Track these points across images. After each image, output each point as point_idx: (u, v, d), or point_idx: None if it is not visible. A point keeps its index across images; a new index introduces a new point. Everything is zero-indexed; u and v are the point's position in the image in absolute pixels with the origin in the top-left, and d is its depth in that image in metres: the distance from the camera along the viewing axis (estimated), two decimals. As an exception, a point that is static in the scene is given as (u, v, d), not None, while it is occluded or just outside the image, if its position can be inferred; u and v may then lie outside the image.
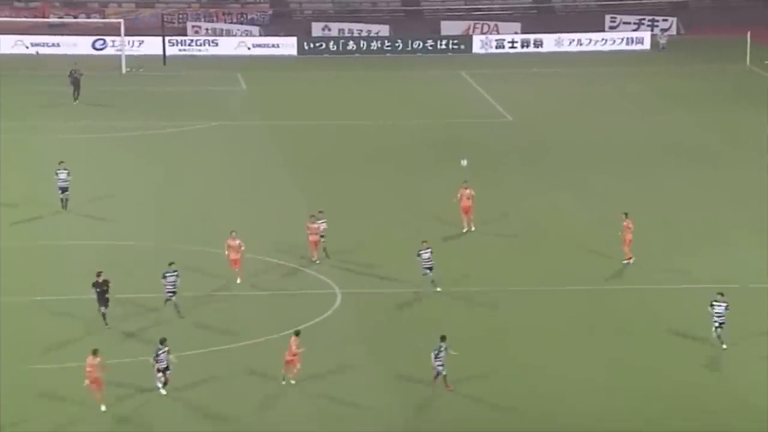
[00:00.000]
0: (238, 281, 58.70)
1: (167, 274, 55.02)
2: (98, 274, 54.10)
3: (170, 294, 55.01)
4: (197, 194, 72.71)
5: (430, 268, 58.56)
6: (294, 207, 69.28)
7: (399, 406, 48.30)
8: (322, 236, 61.54)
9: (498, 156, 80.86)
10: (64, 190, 66.71)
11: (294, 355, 49.14)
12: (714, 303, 52.45)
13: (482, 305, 57.25)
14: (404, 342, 53.75)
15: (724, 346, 52.02)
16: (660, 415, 47.26)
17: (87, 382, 46.79)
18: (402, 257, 61.03)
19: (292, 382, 48.80)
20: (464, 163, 68.84)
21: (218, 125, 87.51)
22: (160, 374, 47.88)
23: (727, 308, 52.29)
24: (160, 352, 47.72)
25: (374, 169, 77.77)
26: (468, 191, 67.06)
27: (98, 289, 53.79)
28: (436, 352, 49.18)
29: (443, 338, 49.14)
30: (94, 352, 47.17)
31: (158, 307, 55.02)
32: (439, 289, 58.19)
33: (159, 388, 47.89)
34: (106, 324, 53.64)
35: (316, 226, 61.13)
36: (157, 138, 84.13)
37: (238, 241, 58.72)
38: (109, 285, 53.87)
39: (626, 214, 61.99)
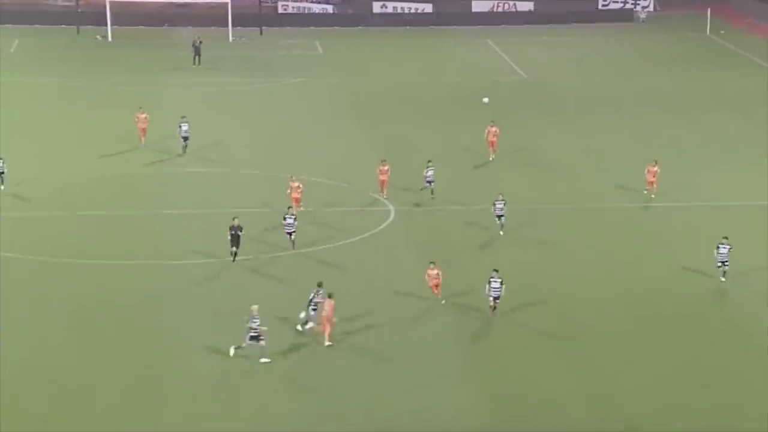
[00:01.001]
0: (302, 208, 56.13)
1: (286, 216, 52.43)
2: (233, 219, 51.35)
3: (289, 234, 52.22)
4: (287, 135, 72.30)
5: (500, 216, 54.51)
6: (357, 146, 69.51)
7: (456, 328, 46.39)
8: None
9: (515, 104, 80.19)
10: (185, 139, 66.15)
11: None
12: (719, 245, 48.97)
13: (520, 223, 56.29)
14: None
15: (723, 279, 48.94)
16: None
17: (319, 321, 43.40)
18: (443, 182, 60.58)
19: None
20: (485, 100, 67.35)
21: (301, 81, 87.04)
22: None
23: (730, 250, 48.85)
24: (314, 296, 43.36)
25: (422, 116, 77.03)
26: (494, 129, 66.74)
27: (232, 232, 50.81)
28: (491, 283, 45.35)
29: (496, 270, 45.58)
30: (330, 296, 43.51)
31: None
32: (501, 233, 54.36)
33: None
34: (233, 261, 50.78)
35: (386, 168, 59.76)
36: (255, 91, 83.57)
37: (297, 183, 56.89)
38: (242, 229, 51.03)
39: (656, 162, 59.97)
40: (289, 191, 56.81)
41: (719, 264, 49.11)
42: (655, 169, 59.88)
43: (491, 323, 45.78)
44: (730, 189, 62.09)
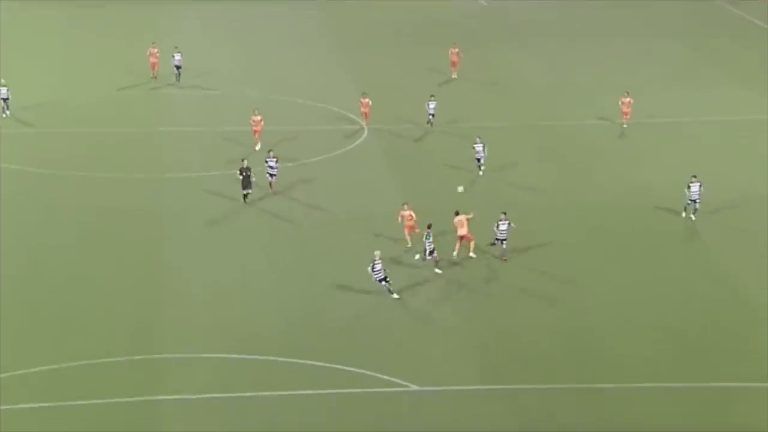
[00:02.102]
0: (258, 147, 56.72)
1: (268, 159, 51.59)
2: (242, 160, 50.97)
3: (270, 176, 51.45)
4: (272, 59, 74.64)
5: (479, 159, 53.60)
6: (338, 73, 71.95)
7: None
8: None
9: (480, 31, 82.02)
10: (178, 68, 67.79)
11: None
12: (690, 183, 48.29)
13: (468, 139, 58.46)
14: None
15: (693, 218, 48.72)
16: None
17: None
18: (413, 101, 63.45)
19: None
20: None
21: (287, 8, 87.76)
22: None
23: (701, 187, 48.24)
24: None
25: (394, 42, 79.23)
26: (456, 50, 69.69)
27: (242, 174, 50.13)
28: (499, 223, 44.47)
29: (504, 213, 44.97)
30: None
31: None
32: (480, 173, 53.97)
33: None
34: (245, 202, 50.27)
35: (367, 100, 60.38)
36: (241, 18, 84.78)
37: (259, 117, 56.72)
38: (251, 171, 50.21)
39: (627, 93, 60.54)
40: (252, 124, 57.77)
41: (689, 202, 48.43)
42: (628, 99, 60.86)
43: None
44: (676, 107, 64.83)
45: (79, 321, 40.97)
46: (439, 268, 44.06)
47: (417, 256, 44.48)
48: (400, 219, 45.95)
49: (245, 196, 50.45)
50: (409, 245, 45.84)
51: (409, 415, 35.40)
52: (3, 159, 56.07)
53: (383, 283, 41.80)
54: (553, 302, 42.32)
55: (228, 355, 38.57)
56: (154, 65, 68.65)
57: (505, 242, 44.75)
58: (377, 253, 42.03)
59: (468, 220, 44.81)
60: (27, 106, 63.17)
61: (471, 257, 45.12)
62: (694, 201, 48.56)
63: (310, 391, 36.36)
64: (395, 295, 41.93)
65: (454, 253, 44.91)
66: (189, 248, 47.15)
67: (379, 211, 49.96)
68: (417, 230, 45.31)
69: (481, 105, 65.54)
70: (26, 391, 36.23)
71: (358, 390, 36.52)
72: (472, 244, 45.12)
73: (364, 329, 40.43)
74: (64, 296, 42.82)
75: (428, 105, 60.93)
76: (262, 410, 35.45)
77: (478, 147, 54.08)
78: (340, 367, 37.74)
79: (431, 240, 43.90)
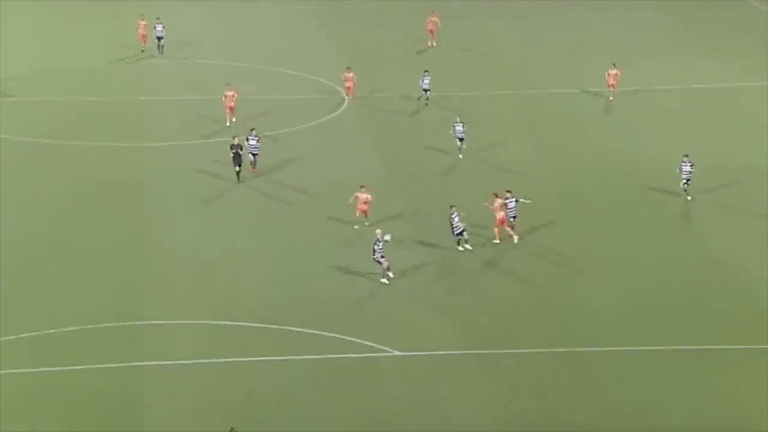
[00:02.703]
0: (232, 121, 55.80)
1: (249, 138, 49.94)
2: (233, 138, 49.86)
3: (252, 155, 49.67)
4: (254, 32, 74.17)
5: (461, 139, 51.69)
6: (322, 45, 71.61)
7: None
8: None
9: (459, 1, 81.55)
10: (159, 38, 67.21)
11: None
12: (681, 163, 47.43)
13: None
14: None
15: (689, 198, 47.80)
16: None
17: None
18: (393, 67, 64.04)
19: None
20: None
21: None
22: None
23: (692, 166, 47.30)
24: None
25: (377, 15, 78.50)
26: (434, 19, 69.10)
27: (233, 151, 48.98)
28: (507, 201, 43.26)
29: (509, 191, 43.78)
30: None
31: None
32: (460, 156, 51.98)
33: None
34: (239, 181, 49.22)
35: (351, 75, 59.82)
36: None
37: (232, 92, 55.31)
38: (242, 148, 49.11)
39: (614, 65, 59.91)
40: (223, 99, 56.46)
41: (684, 181, 47.50)
42: (615, 72, 60.29)
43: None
44: (657, 77, 64.47)
45: (67, 288, 40.89)
46: (466, 245, 42.83)
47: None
48: (352, 200, 44.66)
49: (238, 173, 49.28)
50: (368, 224, 44.46)
51: (391, 379, 35.44)
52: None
53: (380, 263, 40.47)
54: (535, 274, 42.24)
55: (212, 322, 38.46)
56: (143, 38, 68.60)
57: (514, 220, 43.62)
58: (378, 231, 40.97)
59: (507, 203, 43.26)
60: (14, 77, 62.78)
61: (512, 241, 43.92)
62: (687, 181, 47.57)
63: (293, 357, 36.37)
64: (388, 277, 40.66)
65: (495, 240, 43.70)
66: (174, 217, 46.97)
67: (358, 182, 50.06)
68: (367, 215, 44.40)
69: (460, 74, 65.11)
70: (15, 356, 36.12)
71: (342, 355, 36.54)
72: (510, 229, 43.93)
73: (347, 300, 40.31)
74: (52, 263, 42.69)
75: (423, 80, 59.73)
76: (246, 375, 35.46)
77: (458, 127, 52.26)
78: (323, 333, 37.68)
79: (458, 218, 42.61)
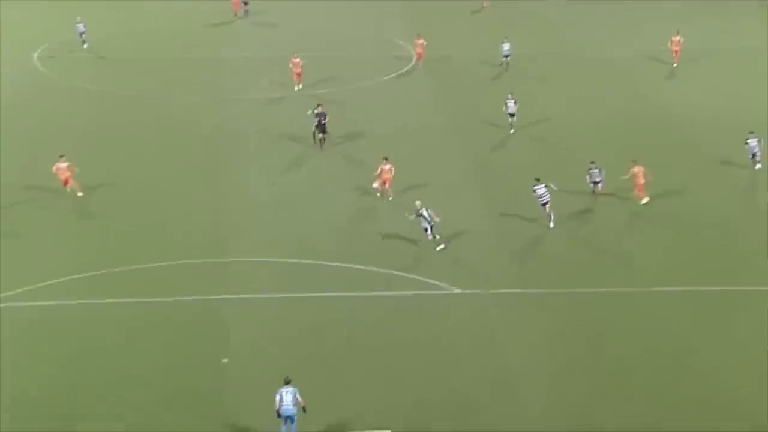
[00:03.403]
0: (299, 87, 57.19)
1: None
2: (318, 105, 49.55)
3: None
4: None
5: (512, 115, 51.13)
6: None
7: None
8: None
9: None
10: (245, 3, 69.92)
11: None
12: (747, 140, 46.70)
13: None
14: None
15: (758, 166, 47.00)
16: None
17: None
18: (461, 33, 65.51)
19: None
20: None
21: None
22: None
23: (759, 141, 46.39)
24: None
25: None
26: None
27: (317, 119, 48.63)
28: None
29: (537, 179, 42.47)
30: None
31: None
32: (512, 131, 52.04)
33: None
34: (321, 149, 49.02)
35: (420, 41, 60.23)
36: None
37: (299, 59, 56.66)
38: (326, 116, 48.62)
39: (678, 32, 59.29)
40: (291, 66, 57.75)
41: (750, 156, 46.66)
42: (678, 38, 60.21)
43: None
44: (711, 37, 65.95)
45: (158, 227, 42.53)
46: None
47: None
48: (378, 171, 44.24)
49: (321, 140, 49.01)
50: (391, 198, 44.49)
51: (453, 314, 36.53)
52: (87, 81, 58.36)
53: (427, 232, 40.32)
54: (582, 218, 43.42)
55: (288, 260, 39.86)
56: (235, 4, 70.25)
57: (547, 206, 42.06)
58: (418, 202, 40.93)
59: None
60: (101, 39, 65.59)
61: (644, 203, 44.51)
62: (755, 155, 46.68)
63: (361, 293, 37.56)
64: (440, 246, 40.52)
65: (642, 201, 44.01)
66: (252, 163, 48.56)
67: (422, 133, 51.78)
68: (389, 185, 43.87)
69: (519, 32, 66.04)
70: (111, 287, 37.73)
71: (407, 292, 37.67)
72: (642, 193, 44.10)
73: (413, 242, 41.39)
74: (144, 204, 44.42)
75: (502, 47, 59.83)
76: (317, 309, 36.61)
77: (510, 102, 51.24)
78: (391, 272, 38.94)
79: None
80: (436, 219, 40.47)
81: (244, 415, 30.43)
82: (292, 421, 28.99)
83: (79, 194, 44.33)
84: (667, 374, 33.11)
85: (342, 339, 35.08)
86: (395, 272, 39.12)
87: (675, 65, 60.96)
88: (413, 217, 40.48)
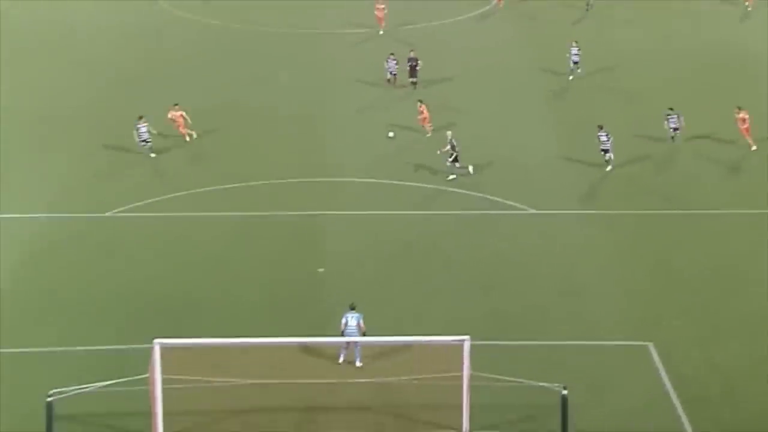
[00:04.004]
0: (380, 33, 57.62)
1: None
2: (410, 51, 50.22)
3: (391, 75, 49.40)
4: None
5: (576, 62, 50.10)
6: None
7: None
8: None
9: None
10: None
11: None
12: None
13: None
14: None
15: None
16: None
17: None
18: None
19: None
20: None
21: None
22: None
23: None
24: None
25: None
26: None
27: (410, 64, 49.38)
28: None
29: (600, 126, 41.55)
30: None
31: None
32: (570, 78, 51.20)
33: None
34: (414, 88, 49.61)
35: None
36: None
37: (383, 5, 56.95)
38: (418, 61, 49.30)
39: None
40: (376, 11, 57.84)
41: None
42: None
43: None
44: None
45: (261, 147, 44.86)
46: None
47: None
48: (420, 115, 44.36)
49: (413, 84, 49.41)
50: (429, 134, 44.65)
51: (526, 232, 37.98)
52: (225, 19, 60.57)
53: (454, 164, 40.44)
54: (651, 149, 44.55)
55: (376, 180, 41.83)
56: None
57: (607, 154, 41.46)
58: (449, 133, 41.52)
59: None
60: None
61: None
62: None
63: (442, 212, 39.20)
64: (469, 169, 41.08)
65: (753, 148, 43.38)
66: (345, 95, 50.36)
67: (500, 74, 53.14)
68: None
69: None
70: (219, 203, 39.93)
71: (484, 212, 39.35)
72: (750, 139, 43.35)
73: (489, 163, 43.26)
74: (249, 129, 46.67)
75: None
76: (402, 225, 38.19)
77: (574, 50, 50.07)
78: (469, 192, 40.66)
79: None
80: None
81: (340, 315, 33.02)
82: (356, 344, 29.13)
83: (193, 136, 44.56)
84: (728, 293, 33.94)
85: (424, 254, 36.57)
86: (477, 194, 40.75)
87: (749, 8, 60.79)
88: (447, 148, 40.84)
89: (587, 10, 60.27)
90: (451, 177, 41.23)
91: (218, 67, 53.90)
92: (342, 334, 29.15)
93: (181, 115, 43.94)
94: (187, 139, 44.08)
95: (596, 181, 41.73)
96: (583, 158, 43.53)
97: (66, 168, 42.55)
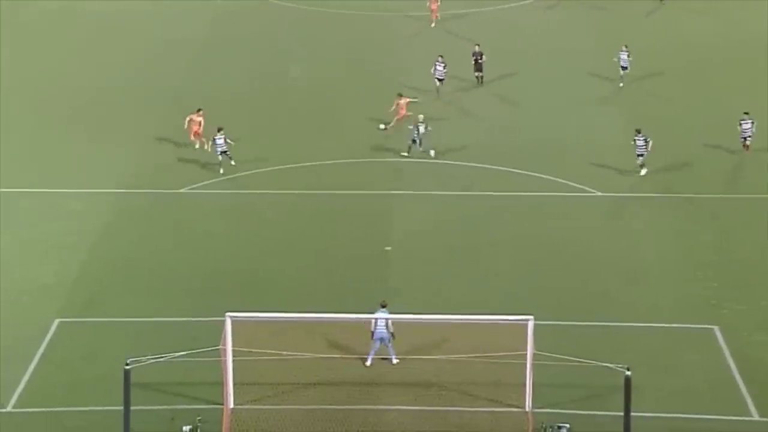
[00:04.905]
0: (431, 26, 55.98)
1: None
2: (476, 45, 48.52)
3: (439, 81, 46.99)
4: None
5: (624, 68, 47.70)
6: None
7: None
8: None
9: None
10: None
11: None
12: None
13: None
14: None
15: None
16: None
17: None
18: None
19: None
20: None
21: None
22: None
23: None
24: None
25: None
26: None
27: (475, 58, 48.14)
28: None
29: (638, 130, 39.76)
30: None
31: None
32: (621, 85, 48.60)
33: None
34: (480, 83, 48.43)
35: None
36: None
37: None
38: (483, 56, 48.00)
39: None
40: (430, 4, 55.94)
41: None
42: None
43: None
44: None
45: (329, 128, 44.88)
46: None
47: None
48: (395, 107, 43.10)
49: (479, 79, 48.60)
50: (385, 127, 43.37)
51: (591, 214, 37.71)
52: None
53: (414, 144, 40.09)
54: (710, 132, 43.68)
55: (447, 162, 41.62)
56: None
57: (641, 158, 39.53)
58: (420, 116, 40.95)
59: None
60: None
61: None
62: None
63: (510, 193, 39.03)
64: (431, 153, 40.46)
65: None
66: (415, 77, 49.17)
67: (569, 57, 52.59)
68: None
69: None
70: (290, 181, 40.02)
71: (551, 193, 39.02)
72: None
73: (558, 146, 42.88)
74: (318, 105, 46.77)
75: None
76: (469, 206, 38.16)
77: (623, 55, 47.45)
78: (538, 175, 40.42)
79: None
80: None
81: (405, 293, 32.73)
82: (385, 343, 28.24)
83: (202, 146, 41.24)
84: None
85: (490, 233, 36.42)
86: (543, 175, 40.41)
87: None
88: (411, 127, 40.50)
89: (661, 0, 58.45)
90: (404, 154, 40.87)
91: (282, 47, 54.02)
92: (372, 334, 28.34)
93: (201, 122, 41.05)
94: (197, 146, 40.98)
95: (661, 165, 41.16)
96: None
97: (145, 145, 42.83)
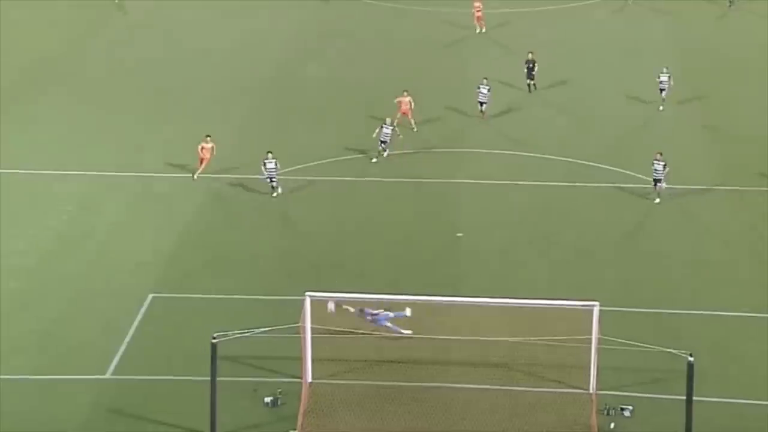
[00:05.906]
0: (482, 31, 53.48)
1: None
2: (530, 53, 46.32)
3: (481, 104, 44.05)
4: None
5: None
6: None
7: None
8: None
9: None
10: None
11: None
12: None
13: None
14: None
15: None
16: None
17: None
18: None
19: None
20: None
21: None
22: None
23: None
24: None
25: None
26: None
27: (527, 66, 46.03)
28: None
29: (660, 152, 37.58)
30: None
31: None
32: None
33: None
34: (530, 91, 46.31)
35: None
36: None
37: (479, 4, 53.02)
38: (536, 64, 45.94)
39: None
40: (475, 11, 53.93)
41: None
42: None
43: None
44: None
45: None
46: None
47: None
48: (397, 103, 42.00)
49: (530, 86, 46.41)
50: (415, 129, 42.48)
51: (656, 206, 37.37)
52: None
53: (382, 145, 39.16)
54: None
55: (516, 153, 41.42)
56: None
57: (659, 183, 37.17)
58: (388, 120, 39.98)
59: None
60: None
61: None
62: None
63: (578, 183, 38.72)
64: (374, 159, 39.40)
65: None
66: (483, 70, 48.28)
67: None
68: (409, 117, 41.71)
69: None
70: (369, 168, 40.07)
71: (618, 185, 38.67)
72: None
73: (628, 138, 42.59)
74: (368, 99, 45.94)
75: None
76: (539, 195, 37.96)
77: (664, 78, 44.19)
78: (605, 166, 40.02)
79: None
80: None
81: (474, 277, 32.77)
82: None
83: (197, 176, 38.74)
84: None
85: (561, 222, 36.31)
86: (609, 167, 40.10)
87: None
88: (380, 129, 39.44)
89: (729, 6, 56.59)
90: (374, 160, 39.96)
91: (348, 41, 53.67)
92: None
93: (211, 148, 38.80)
94: (195, 178, 38.78)
95: (728, 158, 40.86)
96: (717, 135, 42.85)
97: (233, 132, 43.15)
